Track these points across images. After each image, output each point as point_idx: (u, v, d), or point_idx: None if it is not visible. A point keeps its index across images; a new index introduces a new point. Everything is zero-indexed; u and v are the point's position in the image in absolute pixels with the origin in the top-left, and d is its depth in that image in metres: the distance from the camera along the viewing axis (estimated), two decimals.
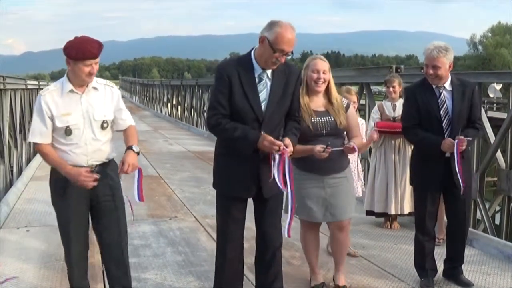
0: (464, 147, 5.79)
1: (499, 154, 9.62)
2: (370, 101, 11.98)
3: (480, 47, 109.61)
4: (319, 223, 6.07)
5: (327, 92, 5.82)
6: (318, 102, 5.80)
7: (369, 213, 8.78)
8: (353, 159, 6.70)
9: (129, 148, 4.99)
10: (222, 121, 4.86)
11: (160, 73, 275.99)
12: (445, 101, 5.94)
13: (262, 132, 4.82)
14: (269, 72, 4.94)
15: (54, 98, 4.86)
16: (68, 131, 4.83)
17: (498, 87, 47.67)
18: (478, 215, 9.68)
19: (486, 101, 45.54)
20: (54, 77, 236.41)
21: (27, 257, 7.25)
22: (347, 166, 5.94)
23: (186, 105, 34.22)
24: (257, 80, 4.92)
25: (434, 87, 5.98)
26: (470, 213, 6.28)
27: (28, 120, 20.77)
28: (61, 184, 4.92)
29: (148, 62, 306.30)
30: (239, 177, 5.00)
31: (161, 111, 44.11)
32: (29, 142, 4.81)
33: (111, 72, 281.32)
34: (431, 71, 5.87)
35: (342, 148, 5.63)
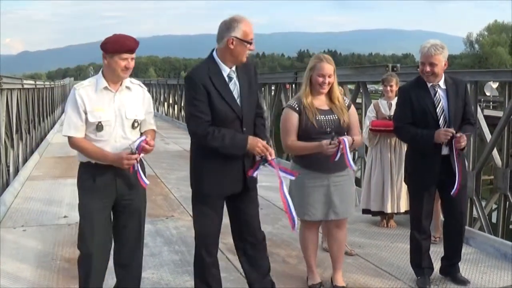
0: (463, 144, 5.82)
1: (495, 152, 9.64)
2: (367, 100, 11.98)
3: (476, 46, 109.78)
4: (319, 222, 6.09)
5: (329, 91, 5.84)
6: (321, 101, 5.82)
7: (365, 211, 8.80)
8: None
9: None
10: (209, 130, 4.93)
11: (156, 72, 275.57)
12: (440, 99, 5.94)
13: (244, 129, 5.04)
14: (233, 69, 5.09)
15: (88, 93, 4.93)
16: (99, 127, 4.91)
17: (495, 85, 47.88)
18: (475, 213, 9.70)
19: (482, 99, 45.69)
20: (51, 76, 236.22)
21: (23, 256, 7.26)
22: None
23: (182, 104, 34.20)
24: (227, 79, 5.05)
25: (429, 85, 5.98)
26: (467, 211, 6.30)
27: (24, 120, 20.76)
28: (89, 183, 5.00)
29: (145, 61, 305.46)
30: (227, 175, 5.11)
31: (157, 110, 44.00)
32: (64, 136, 4.89)
33: None
34: (428, 69, 5.86)
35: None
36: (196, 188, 5.27)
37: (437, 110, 5.93)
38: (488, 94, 51.19)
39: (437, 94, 5.96)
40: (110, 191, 5.03)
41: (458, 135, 5.75)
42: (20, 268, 6.79)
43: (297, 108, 5.77)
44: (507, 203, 9.31)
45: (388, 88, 8.44)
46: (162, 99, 42.66)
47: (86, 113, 4.88)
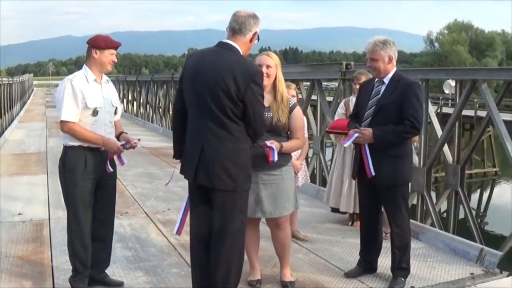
0: (361, 140, 5.96)
1: (446, 149, 9.78)
2: (321, 98, 12.08)
3: (436, 44, 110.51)
4: (258, 218, 5.98)
5: (274, 88, 5.80)
6: (265, 98, 5.57)
7: (334, 210, 8.76)
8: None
9: (125, 132, 6.24)
10: None
11: (117, 68, 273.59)
12: (379, 94, 6.02)
13: None
14: None
15: (82, 84, 5.57)
16: (95, 112, 5.61)
17: (453, 83, 48.32)
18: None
19: (441, 97, 46.32)
20: (11, 72, 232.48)
21: None
22: (285, 165, 5.79)
23: (141, 101, 34.15)
24: None
25: (376, 80, 6.12)
26: (392, 205, 6.15)
27: None
28: (81, 165, 5.61)
29: None
30: None
31: None
32: (63, 121, 5.54)
33: (68, 68, 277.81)
34: (369, 63, 6.06)
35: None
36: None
37: (369, 103, 6.05)
38: (447, 92, 51.55)
39: (377, 89, 6.07)
40: (98, 171, 5.73)
41: (355, 131, 5.99)
42: None
43: None
44: (457, 198, 9.45)
45: (358, 86, 8.34)
46: (121, 95, 42.46)
47: (84, 101, 5.51)
